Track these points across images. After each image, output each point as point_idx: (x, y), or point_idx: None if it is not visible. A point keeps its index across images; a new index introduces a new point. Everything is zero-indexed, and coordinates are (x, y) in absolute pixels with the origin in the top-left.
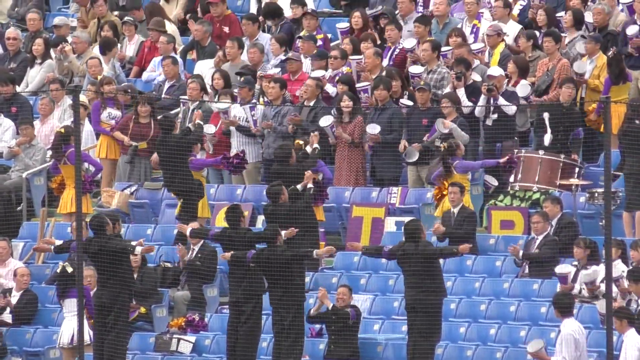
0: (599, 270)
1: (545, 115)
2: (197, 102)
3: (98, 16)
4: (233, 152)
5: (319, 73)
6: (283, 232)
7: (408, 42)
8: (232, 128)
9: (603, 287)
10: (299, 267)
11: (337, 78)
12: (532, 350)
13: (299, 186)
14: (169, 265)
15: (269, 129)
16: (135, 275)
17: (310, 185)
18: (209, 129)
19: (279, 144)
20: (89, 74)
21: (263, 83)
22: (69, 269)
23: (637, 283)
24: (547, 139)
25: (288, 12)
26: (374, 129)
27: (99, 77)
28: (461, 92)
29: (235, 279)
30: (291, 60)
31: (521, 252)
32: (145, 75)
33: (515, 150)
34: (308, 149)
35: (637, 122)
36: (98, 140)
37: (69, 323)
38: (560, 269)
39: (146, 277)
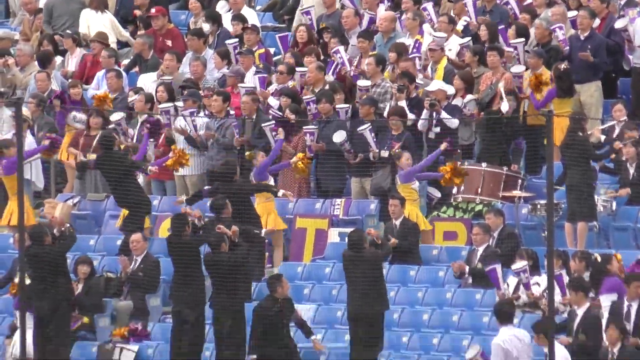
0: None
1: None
2: (145, 114)
3: (40, 29)
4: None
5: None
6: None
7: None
8: (179, 138)
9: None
10: (244, 275)
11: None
12: (468, 358)
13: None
14: (112, 275)
15: (211, 138)
16: (81, 286)
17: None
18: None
19: (225, 159)
20: (36, 87)
21: (204, 96)
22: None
23: (577, 292)
24: (505, 106)
25: (229, 27)
26: (340, 136)
27: (47, 92)
28: (403, 104)
29: (179, 288)
30: (229, 76)
31: (467, 268)
32: (89, 93)
33: (459, 163)
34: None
35: (580, 134)
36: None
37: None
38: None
39: (93, 289)
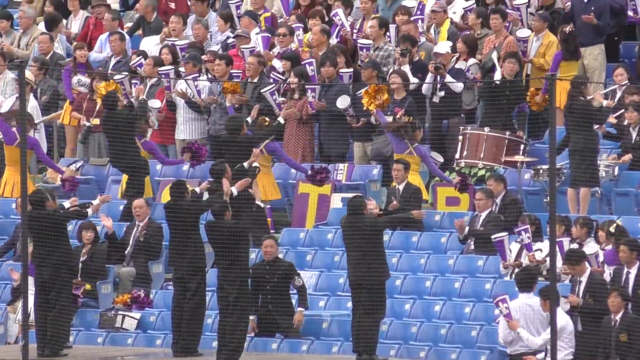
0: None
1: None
2: (155, 78)
3: None
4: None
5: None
6: (234, 187)
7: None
8: (179, 102)
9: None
10: (245, 243)
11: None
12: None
13: (245, 164)
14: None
15: (214, 103)
16: (86, 252)
17: (256, 164)
18: (154, 103)
19: (231, 115)
20: (37, 50)
21: (207, 61)
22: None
23: (580, 263)
24: (497, 75)
25: None
26: (344, 102)
27: (50, 54)
28: (406, 69)
29: (179, 255)
30: (240, 37)
31: (467, 229)
32: (92, 56)
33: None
34: (249, 119)
35: (581, 98)
36: (63, 107)
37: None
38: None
39: (97, 255)
